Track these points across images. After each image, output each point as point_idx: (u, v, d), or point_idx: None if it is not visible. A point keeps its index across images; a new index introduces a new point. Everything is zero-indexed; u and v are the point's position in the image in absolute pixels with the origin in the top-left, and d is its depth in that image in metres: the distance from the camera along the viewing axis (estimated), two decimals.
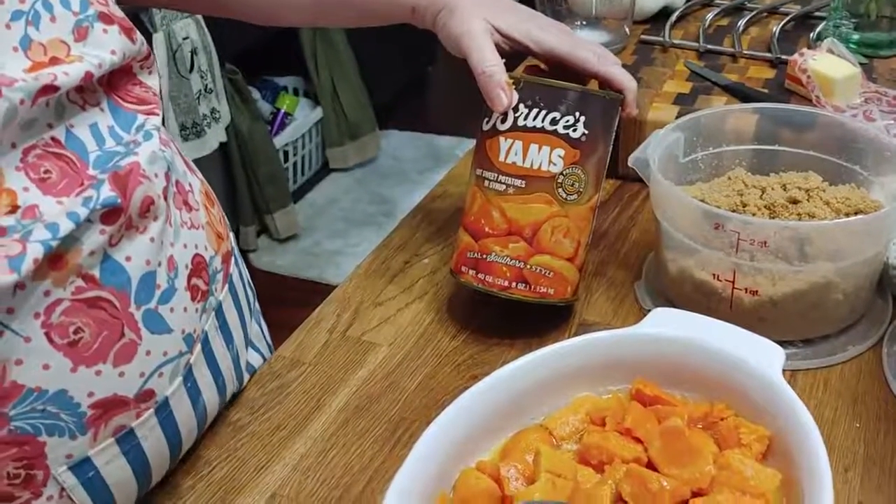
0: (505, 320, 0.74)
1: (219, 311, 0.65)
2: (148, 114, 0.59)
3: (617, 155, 0.91)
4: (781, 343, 0.60)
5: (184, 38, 2.03)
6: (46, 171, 0.52)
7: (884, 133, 0.76)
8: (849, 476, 0.60)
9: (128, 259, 0.55)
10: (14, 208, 0.50)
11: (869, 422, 0.63)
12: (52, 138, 0.53)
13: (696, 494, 0.54)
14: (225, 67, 2.22)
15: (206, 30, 2.10)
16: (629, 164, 0.73)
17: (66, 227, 0.50)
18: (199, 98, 2.11)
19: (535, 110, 0.67)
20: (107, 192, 0.53)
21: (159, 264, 0.57)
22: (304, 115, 2.61)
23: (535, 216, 0.68)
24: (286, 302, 0.75)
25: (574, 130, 0.67)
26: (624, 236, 0.85)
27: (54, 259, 0.51)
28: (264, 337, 0.79)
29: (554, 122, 0.67)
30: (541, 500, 0.53)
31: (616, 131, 0.71)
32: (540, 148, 0.67)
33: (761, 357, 0.59)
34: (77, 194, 0.52)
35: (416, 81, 3.18)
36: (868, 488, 0.59)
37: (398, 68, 3.00)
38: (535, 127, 0.67)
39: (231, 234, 0.71)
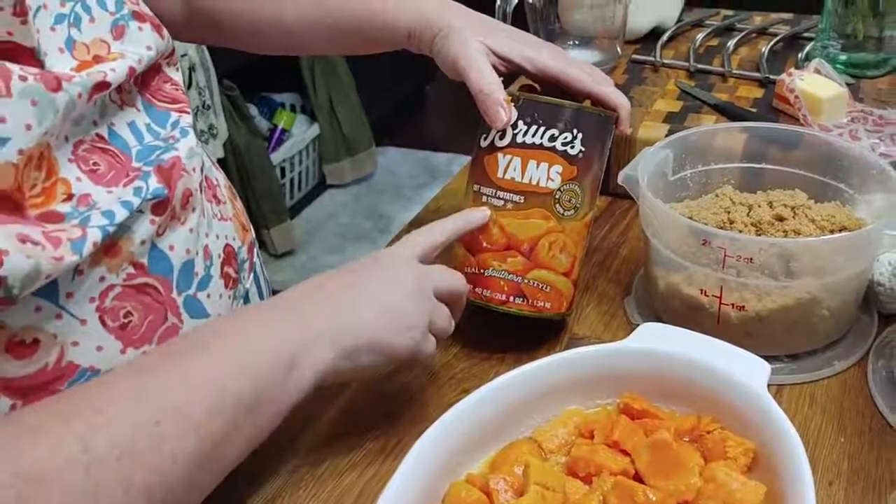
0: (496, 335, 0.75)
1: (246, 299, 0.69)
2: (180, 112, 0.63)
3: (609, 172, 0.92)
4: (768, 358, 0.61)
5: (182, 55, 2.05)
6: (95, 164, 0.56)
7: (869, 152, 0.77)
8: (833, 490, 0.61)
9: (171, 248, 0.59)
10: (69, 196, 0.53)
11: (853, 436, 0.64)
12: (97, 135, 0.57)
13: None
14: (223, 84, 2.24)
15: (204, 47, 2.11)
16: (619, 181, 0.74)
17: (121, 214, 0.54)
18: (196, 114, 2.12)
19: (533, 127, 0.68)
20: (155, 184, 0.57)
21: (197, 253, 0.61)
22: (302, 132, 2.62)
23: (533, 231, 0.69)
24: None
25: (572, 147, 0.68)
26: (614, 253, 0.86)
27: (109, 246, 0.55)
28: None
29: (552, 138, 0.68)
30: None
31: (609, 149, 0.73)
32: (538, 164, 0.68)
33: (747, 371, 0.60)
34: (125, 185, 0.56)
35: (412, 99, 3.20)
36: (852, 502, 0.60)
37: (395, 85, 3.02)
38: (533, 143, 0.68)
39: (252, 229, 0.74)
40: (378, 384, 0.72)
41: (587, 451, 0.59)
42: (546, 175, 0.68)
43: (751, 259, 0.65)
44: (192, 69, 2.10)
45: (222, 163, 2.27)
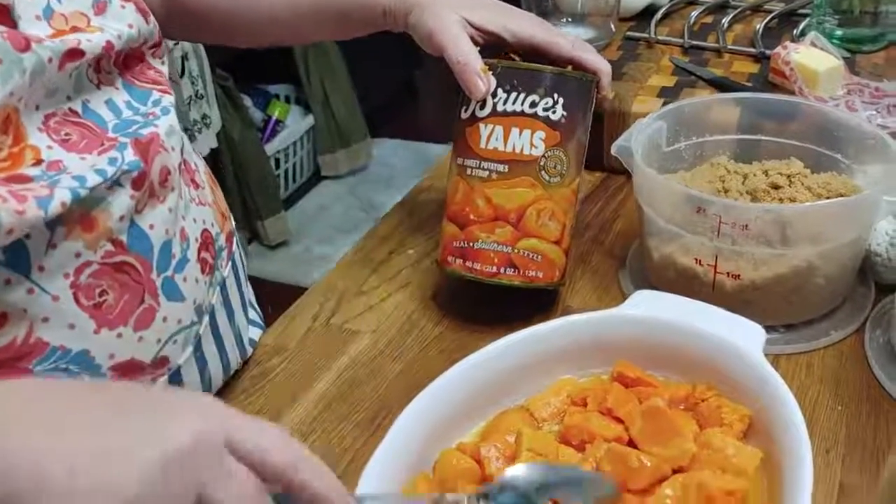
0: (489, 307, 0.74)
1: (223, 287, 0.67)
2: (162, 92, 0.62)
3: (602, 147, 0.91)
4: (764, 328, 0.60)
5: (174, 44, 2.03)
6: (67, 134, 0.54)
7: (866, 121, 0.76)
8: (830, 457, 0.60)
9: (151, 227, 0.57)
10: (38, 161, 0.52)
11: (851, 404, 0.63)
12: (70, 109, 0.56)
13: (676, 472, 0.54)
14: (216, 73, 2.22)
15: None
16: (612, 152, 0.73)
17: (93, 179, 0.52)
18: (189, 104, 2.11)
19: (513, 94, 0.67)
20: (131, 157, 0.55)
21: (175, 235, 0.60)
22: (296, 123, 2.61)
23: (520, 200, 0.68)
24: (276, 308, 0.76)
25: (553, 112, 0.67)
26: (608, 227, 0.85)
27: (84, 219, 0.53)
28: (259, 318, 0.79)
29: (533, 104, 0.67)
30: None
31: (594, 113, 0.72)
32: (521, 131, 0.67)
33: (742, 336, 0.59)
34: (100, 153, 0.54)
35: (407, 90, 3.19)
36: (850, 468, 0.59)
37: (390, 77, 3.00)
38: (514, 111, 0.67)
39: (232, 219, 0.73)
40: (366, 358, 0.71)
41: (580, 418, 0.58)
42: (529, 142, 0.67)
43: (746, 226, 0.64)
44: (184, 58, 2.08)
45: (215, 153, 2.26)
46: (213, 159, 2.25)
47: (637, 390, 0.60)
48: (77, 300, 0.53)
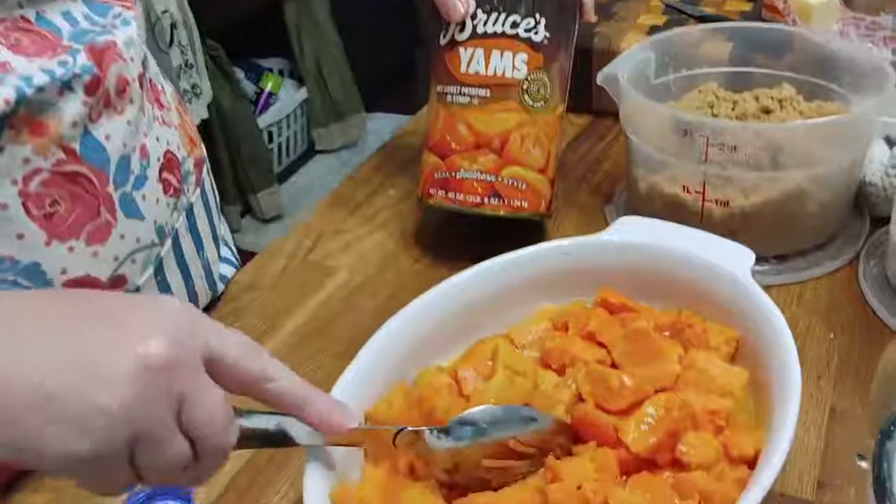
0: (472, 244, 0.71)
1: (189, 213, 0.65)
2: (124, 7, 0.59)
3: (590, 90, 0.89)
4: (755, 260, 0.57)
5: (163, 12, 2.00)
6: (17, 39, 0.52)
7: (862, 51, 0.74)
8: (821, 384, 0.57)
9: (107, 138, 0.55)
10: None
11: (843, 334, 0.61)
12: (22, 16, 0.53)
13: (659, 393, 0.51)
14: (206, 44, 2.19)
15: (186, 4, 2.07)
16: (598, 81, 0.70)
17: (40, 79, 0.50)
18: (179, 73, 2.08)
19: (493, 15, 0.65)
20: (84, 60, 0.53)
21: (133, 150, 0.57)
22: (289, 96, 2.58)
23: (503, 126, 0.66)
24: None
25: (535, 33, 0.65)
26: (596, 168, 0.83)
27: (34, 124, 0.51)
28: (234, 258, 0.77)
29: (514, 25, 0.65)
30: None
31: (579, 50, 0.69)
32: (502, 54, 0.65)
33: (730, 259, 0.57)
34: (51, 57, 0.52)
35: (403, 65, 3.16)
36: (841, 394, 0.56)
37: (385, 51, 2.97)
38: (495, 32, 0.65)
39: (203, 147, 0.70)
40: (343, 293, 0.69)
41: (561, 342, 0.56)
42: (511, 65, 0.65)
43: (734, 148, 0.61)
44: (173, 26, 2.05)
45: (206, 124, 2.23)
46: (204, 131, 2.22)
47: (621, 317, 0.57)
48: (26, 209, 0.51)
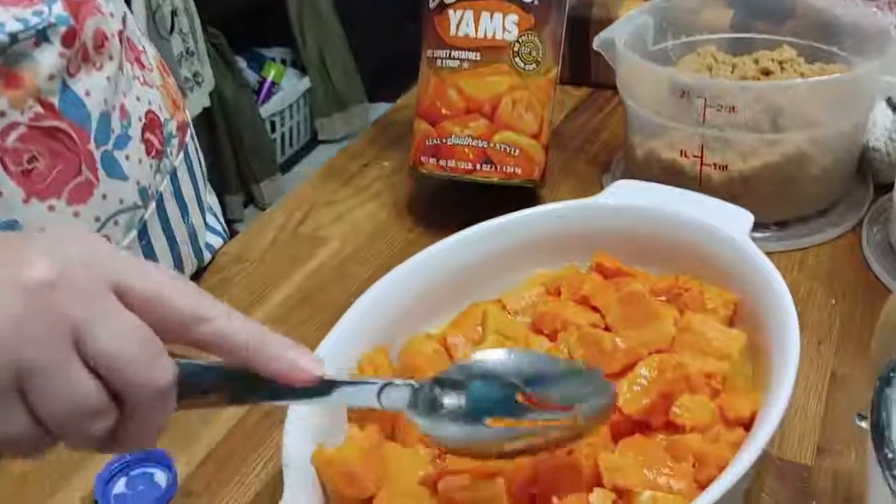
0: (464, 212, 0.69)
1: (174, 178, 0.64)
2: None
3: (588, 60, 0.87)
4: (754, 226, 0.55)
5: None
6: None
7: (866, 14, 0.72)
8: (822, 349, 0.56)
9: (87, 94, 0.54)
10: None
11: (844, 300, 0.59)
12: None
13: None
14: (207, 32, 2.18)
15: None
16: (594, 46, 0.69)
17: (12, 26, 0.49)
18: (180, 61, 2.06)
19: None
20: (59, 10, 0.52)
21: (114, 108, 0.56)
22: (292, 86, 2.57)
23: (494, 90, 0.64)
24: None
25: None
26: (594, 139, 0.81)
27: (9, 76, 0.50)
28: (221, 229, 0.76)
29: None
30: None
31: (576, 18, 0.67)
32: (492, 15, 0.63)
33: (727, 221, 0.55)
34: (26, 7, 0.51)
35: (406, 54, 3.14)
36: (842, 359, 0.55)
37: (388, 41, 2.96)
38: None
39: (188, 111, 0.69)
40: (334, 263, 0.68)
41: (553, 306, 0.55)
42: (501, 26, 0.63)
43: (733, 109, 0.60)
44: (174, 14, 2.04)
45: (208, 112, 2.22)
46: (205, 119, 2.21)
47: (616, 281, 0.56)
48: (3, 165, 0.50)
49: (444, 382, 0.40)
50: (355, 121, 2.69)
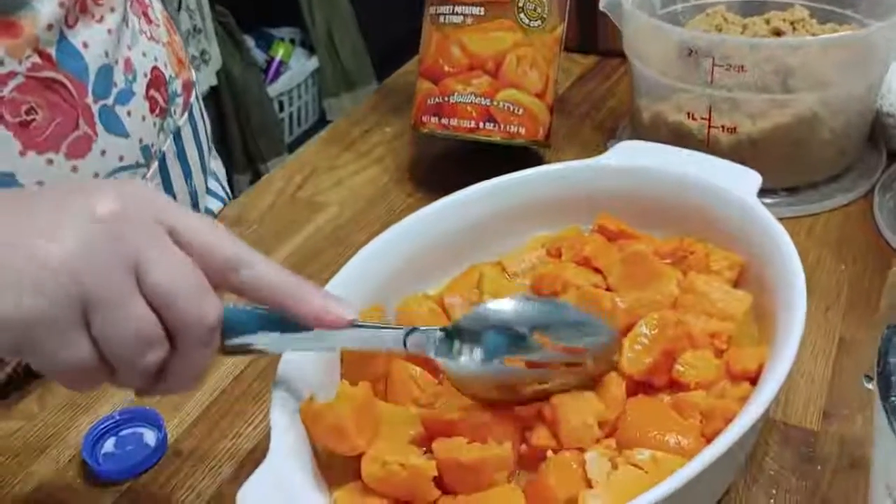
0: (466, 175, 0.68)
1: (177, 137, 0.63)
2: None
3: (596, 29, 0.86)
4: (764, 192, 0.54)
5: None
6: None
7: None
8: (830, 314, 0.54)
9: (85, 46, 0.53)
10: None
11: (854, 265, 0.58)
12: None
13: None
14: (215, 10, 2.16)
15: None
16: (601, 6, 0.67)
17: None
18: (187, 38, 2.05)
19: None
20: None
21: (116, 62, 0.55)
22: (300, 65, 2.55)
23: (498, 46, 0.62)
24: None
25: None
26: (600, 105, 0.79)
27: (8, 24, 0.49)
28: (224, 192, 0.74)
29: None
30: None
31: None
32: None
33: (734, 181, 0.53)
34: None
35: (415, 34, 3.12)
36: (850, 323, 0.53)
37: (397, 22, 2.93)
38: None
39: (192, 71, 0.68)
40: (332, 227, 0.66)
41: (554, 268, 0.53)
42: None
43: (742, 68, 0.58)
44: None
45: (215, 91, 2.21)
46: (213, 98, 2.20)
47: (619, 244, 0.54)
48: (1, 115, 0.49)
49: (461, 332, 0.41)
50: (363, 101, 2.67)
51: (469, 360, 0.41)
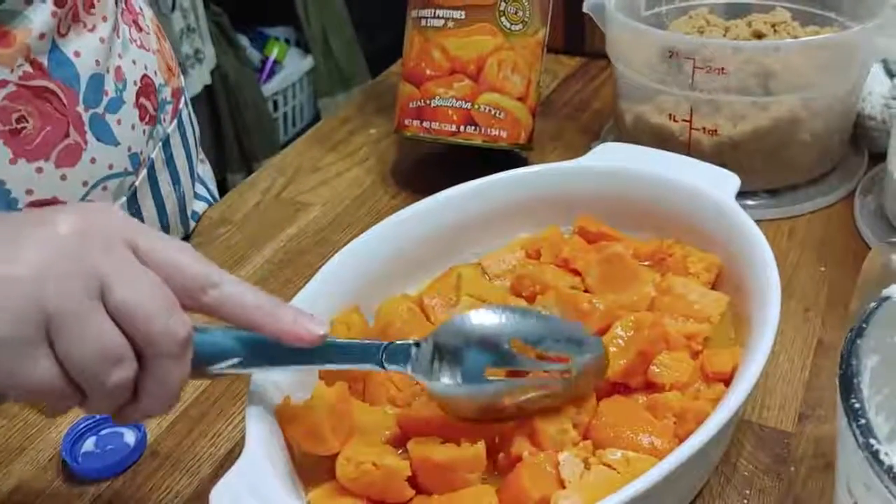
0: (450, 177, 0.68)
1: (166, 145, 0.63)
2: None
3: (583, 31, 0.86)
4: (744, 194, 0.54)
5: None
6: None
7: None
8: (809, 315, 0.54)
9: (76, 54, 0.53)
10: None
11: (834, 267, 0.58)
12: None
13: None
14: (209, 9, 2.16)
15: None
16: (584, 9, 0.67)
17: None
18: (181, 37, 2.05)
19: None
20: None
21: (107, 70, 0.55)
22: (295, 65, 2.55)
23: (479, 50, 0.62)
24: None
25: None
26: (585, 107, 0.80)
27: (1, 34, 0.49)
28: (209, 196, 0.75)
29: None
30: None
31: None
32: None
33: (713, 183, 0.54)
34: None
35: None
36: (829, 327, 0.53)
37: (392, 20, 2.93)
38: None
39: (182, 77, 0.68)
40: (315, 228, 0.66)
41: (533, 269, 0.53)
42: None
43: (723, 70, 0.58)
44: None
45: (209, 90, 2.21)
46: (207, 97, 2.20)
47: (599, 245, 0.55)
48: None
49: (441, 347, 0.41)
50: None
51: (451, 382, 0.40)
